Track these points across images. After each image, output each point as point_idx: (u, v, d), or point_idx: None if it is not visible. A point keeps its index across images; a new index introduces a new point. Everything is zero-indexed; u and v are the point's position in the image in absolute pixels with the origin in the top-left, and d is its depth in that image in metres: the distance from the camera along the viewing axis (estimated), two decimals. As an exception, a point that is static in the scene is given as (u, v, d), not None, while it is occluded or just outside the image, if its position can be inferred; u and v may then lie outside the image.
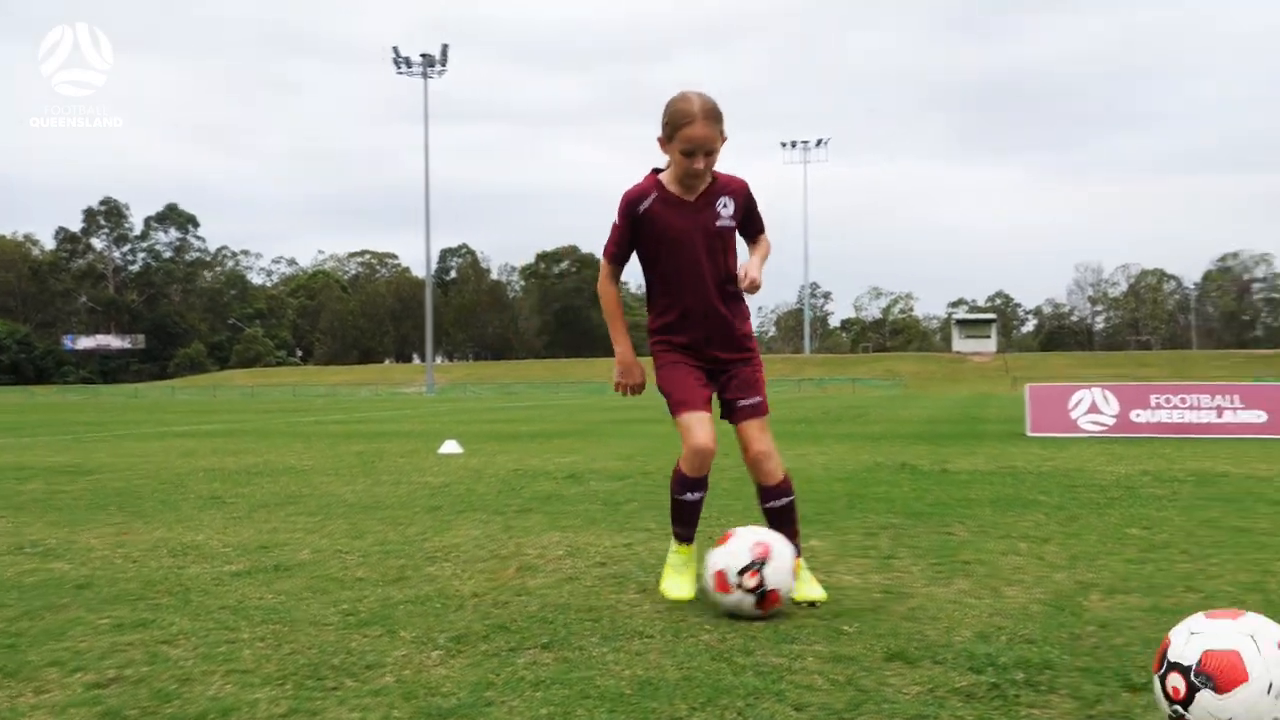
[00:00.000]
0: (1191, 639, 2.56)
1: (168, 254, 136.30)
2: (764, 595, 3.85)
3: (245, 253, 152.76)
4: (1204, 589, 4.39)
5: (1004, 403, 34.62)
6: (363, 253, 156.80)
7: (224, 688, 3.12)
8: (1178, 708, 2.52)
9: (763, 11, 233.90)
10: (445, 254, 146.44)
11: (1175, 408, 15.05)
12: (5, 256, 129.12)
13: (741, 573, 3.86)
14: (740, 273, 4.14)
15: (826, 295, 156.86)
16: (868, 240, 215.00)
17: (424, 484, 9.04)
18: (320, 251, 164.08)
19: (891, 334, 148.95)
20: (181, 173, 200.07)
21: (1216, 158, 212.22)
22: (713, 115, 3.98)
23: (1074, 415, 15.37)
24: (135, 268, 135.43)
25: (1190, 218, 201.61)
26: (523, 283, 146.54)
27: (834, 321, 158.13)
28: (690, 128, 3.94)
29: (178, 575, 4.90)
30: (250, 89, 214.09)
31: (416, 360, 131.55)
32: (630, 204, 4.12)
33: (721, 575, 3.90)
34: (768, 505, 4.31)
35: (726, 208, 4.15)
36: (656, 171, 4.20)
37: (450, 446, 13.04)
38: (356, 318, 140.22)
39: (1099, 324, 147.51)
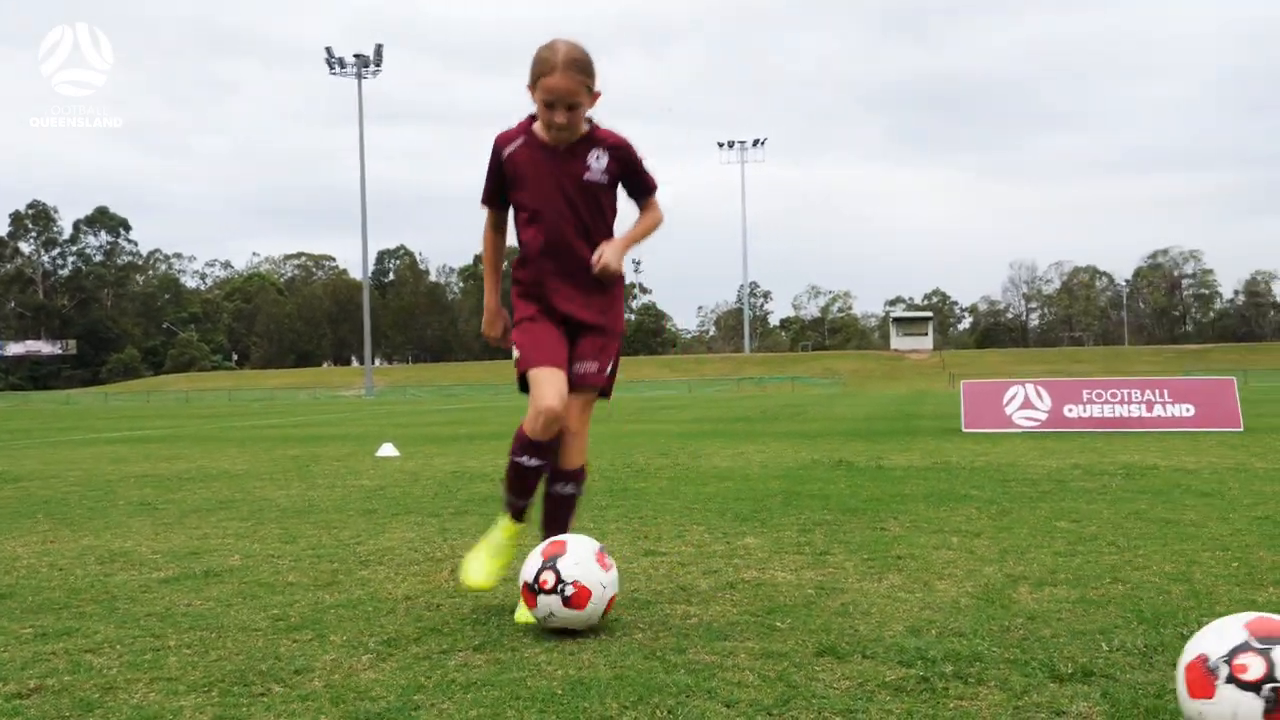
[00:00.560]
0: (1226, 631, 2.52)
1: (98, 258, 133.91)
2: (566, 590, 3.59)
3: (178, 256, 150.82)
4: (1130, 580, 4.47)
5: (940, 399, 35.07)
6: (299, 255, 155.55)
7: (149, 696, 3.06)
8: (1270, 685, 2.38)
9: (698, 13, 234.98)
10: (383, 256, 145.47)
11: (1107, 402, 15.33)
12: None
13: (535, 580, 3.64)
14: (595, 255, 3.83)
15: (766, 294, 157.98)
16: (806, 240, 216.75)
17: (359, 487, 8.95)
18: (255, 254, 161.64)
19: (830, 332, 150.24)
20: (111, 174, 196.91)
21: (1147, 157, 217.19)
22: (577, 66, 3.72)
23: (1008, 411, 15.60)
24: (65, 272, 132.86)
25: (1121, 216, 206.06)
26: (462, 284, 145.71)
27: (773, 320, 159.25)
28: (550, 77, 3.70)
29: (104, 583, 4.80)
30: (182, 89, 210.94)
31: (355, 363, 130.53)
32: (497, 147, 3.93)
33: (524, 588, 3.69)
34: (550, 489, 4.02)
35: (599, 160, 3.87)
36: (533, 117, 3.91)
37: (387, 449, 12.94)
38: (293, 321, 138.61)
39: (1034, 321, 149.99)
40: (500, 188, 3.99)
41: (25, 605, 4.34)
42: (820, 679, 3.12)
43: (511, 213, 4.06)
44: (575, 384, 3.90)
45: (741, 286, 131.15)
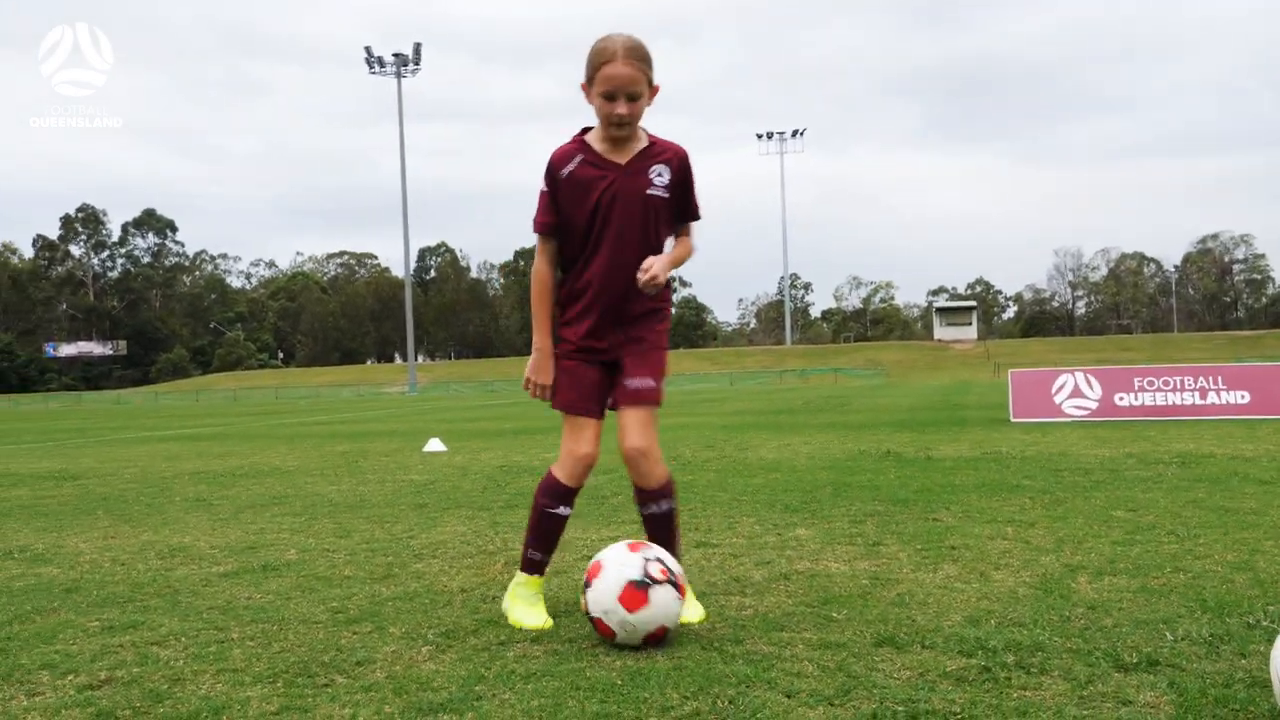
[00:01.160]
0: None
1: (146, 259, 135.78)
2: (593, 623, 3.48)
3: (224, 256, 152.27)
4: (1192, 569, 4.42)
5: (986, 389, 34.76)
6: (341, 254, 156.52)
7: (215, 687, 3.11)
8: None
9: (732, 2, 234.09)
10: (424, 253, 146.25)
11: (1159, 390, 15.14)
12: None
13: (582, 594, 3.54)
14: (644, 264, 3.59)
15: (807, 286, 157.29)
16: (846, 230, 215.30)
17: (409, 482, 9.02)
18: (299, 253, 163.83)
19: (872, 323, 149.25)
20: (158, 178, 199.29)
21: (1193, 140, 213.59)
22: (636, 54, 3.55)
23: (1057, 400, 15.44)
24: (114, 274, 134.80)
25: (1169, 200, 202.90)
26: (502, 280, 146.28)
27: (815, 312, 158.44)
28: (610, 66, 3.53)
29: (166, 577, 4.88)
30: (223, 92, 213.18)
31: (398, 360, 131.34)
32: (553, 167, 3.68)
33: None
34: (644, 510, 3.78)
35: (661, 176, 3.67)
36: (585, 131, 3.75)
37: (434, 444, 13.03)
38: (337, 319, 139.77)
39: (1080, 309, 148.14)
40: (558, 214, 3.71)
41: (91, 599, 4.42)
42: (880, 669, 3.10)
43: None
44: (632, 401, 3.69)
45: (782, 278, 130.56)
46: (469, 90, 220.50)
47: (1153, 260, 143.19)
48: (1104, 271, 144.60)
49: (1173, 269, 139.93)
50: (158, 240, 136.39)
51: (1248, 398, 14.77)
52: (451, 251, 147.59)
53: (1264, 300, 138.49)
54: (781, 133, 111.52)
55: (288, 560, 5.26)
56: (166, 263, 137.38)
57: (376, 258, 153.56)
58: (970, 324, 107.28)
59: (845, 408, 23.42)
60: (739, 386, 62.28)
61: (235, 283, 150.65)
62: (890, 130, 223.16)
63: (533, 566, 3.84)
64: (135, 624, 3.92)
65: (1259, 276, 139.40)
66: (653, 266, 3.57)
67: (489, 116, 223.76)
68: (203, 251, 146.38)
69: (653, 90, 3.64)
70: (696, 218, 3.85)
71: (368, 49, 79.85)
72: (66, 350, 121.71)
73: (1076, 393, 15.41)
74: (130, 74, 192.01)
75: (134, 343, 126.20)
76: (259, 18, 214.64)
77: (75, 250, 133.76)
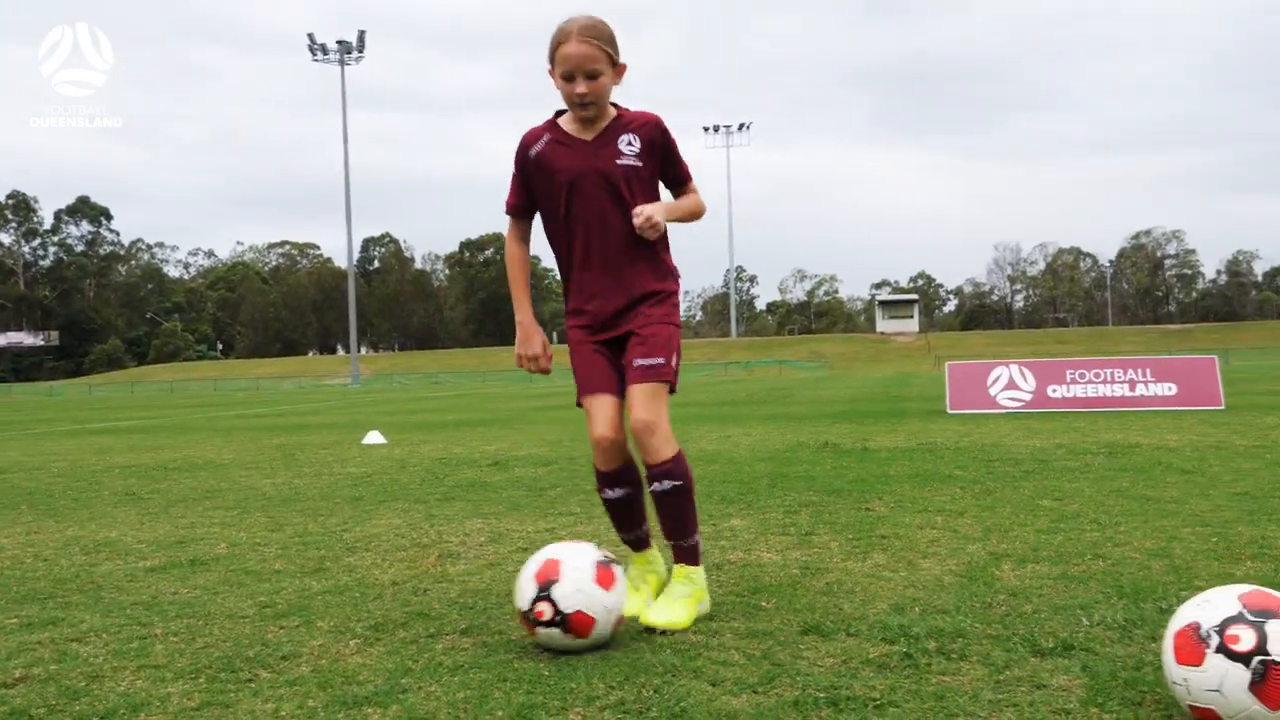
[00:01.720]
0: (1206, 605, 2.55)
1: (80, 248, 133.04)
2: (567, 621, 3.23)
3: (161, 245, 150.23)
4: (1111, 556, 4.51)
5: (926, 381, 35.18)
6: (283, 244, 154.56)
7: (135, 683, 3.07)
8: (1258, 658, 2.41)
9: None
10: (368, 243, 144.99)
11: (1090, 382, 15.41)
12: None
13: (530, 610, 3.27)
14: (637, 209, 3.57)
15: (752, 279, 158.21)
16: (792, 224, 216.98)
17: (346, 475, 8.95)
18: (239, 243, 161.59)
19: (816, 316, 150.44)
20: (92, 164, 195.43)
21: (1129, 138, 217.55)
22: (592, 32, 3.54)
23: (992, 392, 15.67)
24: (46, 262, 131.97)
25: (1105, 196, 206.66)
26: (447, 271, 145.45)
27: (760, 305, 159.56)
28: (566, 45, 3.52)
29: (90, 573, 4.80)
30: (162, 77, 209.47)
31: (341, 352, 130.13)
32: (523, 148, 3.72)
33: (522, 617, 3.33)
34: (651, 488, 3.70)
35: (631, 145, 3.65)
36: (560, 114, 3.76)
37: (374, 437, 12.93)
38: (278, 310, 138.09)
39: (1018, 302, 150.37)
40: (528, 193, 3.75)
41: (10, 596, 4.34)
42: (805, 657, 3.14)
43: (540, 223, 3.83)
44: (639, 378, 3.66)
45: (728, 271, 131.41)
46: (416, 79, 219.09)
47: (1089, 255, 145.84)
48: (1042, 266, 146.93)
49: (1108, 264, 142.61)
50: (92, 228, 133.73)
51: (1174, 389, 15.09)
52: (396, 242, 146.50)
53: (1194, 295, 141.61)
54: (729, 126, 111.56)
55: (217, 555, 5.20)
56: (101, 251, 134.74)
57: (319, 248, 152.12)
58: (912, 317, 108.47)
59: (787, 399, 23.58)
60: (684, 378, 62.18)
61: (173, 272, 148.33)
62: (837, 125, 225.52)
63: (629, 544, 3.92)
64: (55, 620, 3.86)
65: (1189, 271, 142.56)
66: (645, 209, 3.55)
67: (436, 106, 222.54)
68: (139, 240, 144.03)
69: (619, 69, 3.63)
70: (687, 179, 3.83)
71: (310, 35, 78.90)
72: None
73: (1011, 385, 15.65)
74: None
75: (67, 333, 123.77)
76: (205, 2, 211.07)
77: (4, 238, 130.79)
